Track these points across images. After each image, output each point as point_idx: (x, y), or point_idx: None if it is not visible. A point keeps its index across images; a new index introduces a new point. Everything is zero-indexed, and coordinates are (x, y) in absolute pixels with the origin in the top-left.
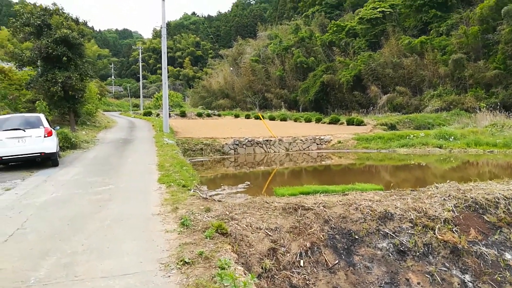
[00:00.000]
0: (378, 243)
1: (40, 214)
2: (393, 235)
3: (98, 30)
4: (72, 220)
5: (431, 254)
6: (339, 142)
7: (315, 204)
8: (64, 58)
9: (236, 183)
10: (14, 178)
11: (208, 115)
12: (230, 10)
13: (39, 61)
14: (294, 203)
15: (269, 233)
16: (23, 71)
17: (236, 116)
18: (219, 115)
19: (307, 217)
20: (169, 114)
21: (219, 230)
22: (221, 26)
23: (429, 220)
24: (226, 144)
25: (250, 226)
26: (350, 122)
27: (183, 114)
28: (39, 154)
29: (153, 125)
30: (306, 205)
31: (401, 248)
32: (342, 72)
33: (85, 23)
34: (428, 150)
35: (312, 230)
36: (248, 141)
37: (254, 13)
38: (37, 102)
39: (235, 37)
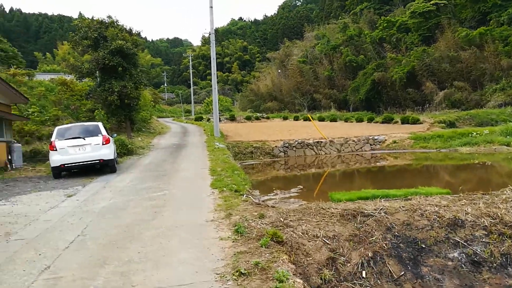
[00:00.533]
0: (449, 253)
1: (99, 220)
2: (465, 244)
3: (150, 40)
4: (129, 227)
5: (510, 266)
6: (394, 142)
7: (375, 210)
8: (119, 68)
9: (288, 187)
10: (75, 185)
11: (257, 118)
12: (276, 13)
13: (97, 72)
14: (352, 209)
15: (327, 242)
16: (83, 82)
17: (285, 118)
18: (267, 118)
19: (368, 224)
20: (219, 118)
21: (274, 238)
22: (267, 29)
23: (506, 228)
24: (276, 146)
25: (307, 234)
26: (405, 121)
27: (232, 118)
28: (98, 161)
29: (204, 130)
30: (365, 211)
31: (475, 259)
32: (394, 69)
33: (138, 34)
34: (494, 149)
35: (373, 238)
36: (298, 143)
37: (300, 15)
38: (96, 111)
39: (282, 40)
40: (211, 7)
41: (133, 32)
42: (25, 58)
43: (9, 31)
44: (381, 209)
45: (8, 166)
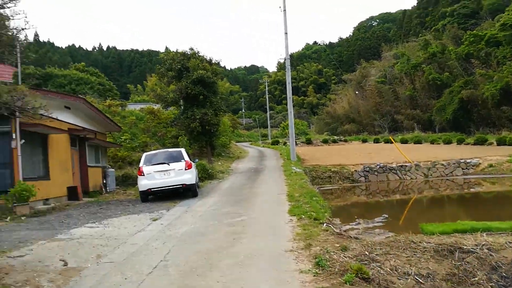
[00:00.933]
0: None
1: (181, 246)
2: None
3: (229, 69)
4: (208, 253)
5: None
6: (491, 165)
7: (476, 246)
8: (201, 96)
9: (372, 215)
10: (160, 209)
11: (334, 141)
12: (351, 34)
13: (180, 100)
14: (448, 244)
15: (420, 280)
16: (168, 111)
17: (364, 140)
18: (345, 141)
19: (468, 262)
20: (296, 142)
21: (359, 274)
22: (342, 51)
23: None
24: (356, 171)
25: (396, 271)
26: (501, 142)
27: (309, 142)
28: (181, 186)
29: (280, 154)
30: (464, 247)
31: None
32: (485, 86)
33: (217, 63)
34: None
35: (476, 279)
36: (379, 167)
37: (377, 34)
38: (179, 137)
39: (358, 61)
40: (286, 33)
41: (213, 61)
42: (119, 90)
43: (106, 66)
44: (483, 245)
45: (103, 189)
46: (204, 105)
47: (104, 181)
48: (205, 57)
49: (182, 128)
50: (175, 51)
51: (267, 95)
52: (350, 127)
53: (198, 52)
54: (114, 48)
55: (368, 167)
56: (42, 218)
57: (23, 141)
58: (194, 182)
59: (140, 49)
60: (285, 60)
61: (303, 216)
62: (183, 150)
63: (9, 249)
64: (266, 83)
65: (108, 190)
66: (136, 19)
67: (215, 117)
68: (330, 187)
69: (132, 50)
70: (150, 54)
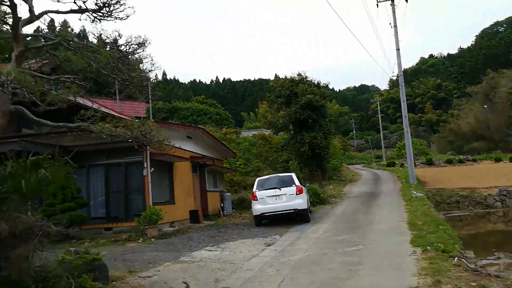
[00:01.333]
0: None
1: (294, 275)
2: None
3: (338, 90)
4: (323, 285)
5: None
6: None
7: None
8: (309, 120)
9: None
10: (274, 234)
11: (460, 161)
12: (473, 43)
13: (290, 125)
14: None
15: None
16: (279, 136)
17: (497, 160)
18: (474, 160)
19: None
20: (414, 163)
21: None
22: (464, 62)
23: None
24: (490, 195)
25: None
26: None
27: (429, 162)
28: (292, 211)
29: (398, 176)
30: None
31: None
32: None
33: (325, 86)
34: None
35: None
36: None
37: (505, 41)
38: (290, 161)
39: (484, 71)
40: (398, 49)
41: (321, 85)
42: (233, 118)
43: (222, 97)
44: None
45: (221, 212)
46: (313, 128)
47: (222, 205)
48: (313, 81)
49: (292, 152)
50: (283, 77)
51: (379, 114)
52: (479, 145)
53: (306, 77)
54: (229, 79)
55: (505, 190)
56: (168, 240)
57: (152, 169)
58: (306, 207)
59: (252, 79)
60: (397, 77)
61: (429, 248)
62: (293, 175)
63: (140, 269)
64: (378, 102)
65: (225, 213)
66: (247, 51)
67: (324, 140)
68: (459, 214)
69: (245, 80)
70: (261, 83)
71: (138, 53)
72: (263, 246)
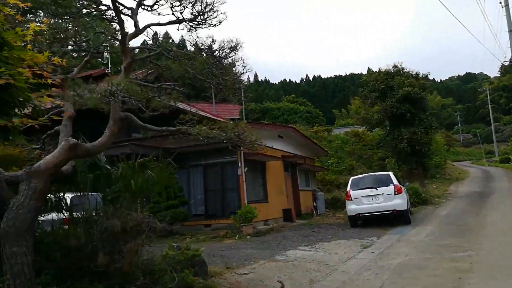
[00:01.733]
0: None
1: (395, 280)
2: None
3: (439, 81)
4: None
5: None
6: None
7: None
8: (407, 114)
9: None
10: (370, 235)
11: None
12: None
13: (385, 121)
14: None
15: None
16: (373, 132)
17: None
18: None
19: None
20: None
21: None
22: None
23: None
24: None
25: None
26: None
27: None
28: (391, 212)
29: None
30: None
31: None
32: None
33: (425, 77)
34: None
35: None
36: None
37: None
38: (386, 159)
39: None
40: (510, 31)
41: (420, 76)
42: (324, 116)
43: (313, 95)
44: None
45: (314, 212)
46: (412, 123)
47: (315, 204)
48: (410, 72)
49: (388, 149)
50: (377, 71)
51: (489, 105)
52: None
53: (402, 68)
54: (319, 77)
55: None
56: (262, 238)
57: (246, 168)
58: (406, 208)
59: (343, 75)
60: (510, 62)
61: None
62: (391, 174)
63: (237, 266)
64: (488, 91)
65: (318, 213)
66: (337, 47)
67: (425, 136)
68: None
69: (335, 77)
70: (353, 78)
71: (230, 56)
72: (359, 248)
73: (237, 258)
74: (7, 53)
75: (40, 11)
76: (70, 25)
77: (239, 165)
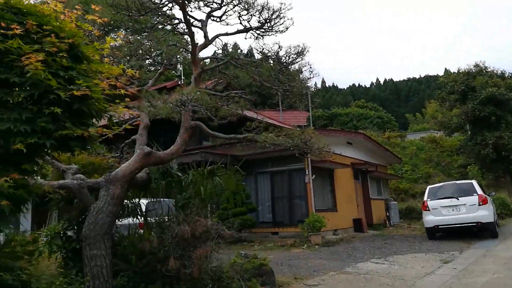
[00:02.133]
0: None
1: None
2: None
3: None
4: None
5: None
6: None
7: None
8: (492, 117)
9: None
10: (451, 249)
11: None
12: None
13: (466, 125)
14: None
15: None
16: (452, 138)
17: None
18: None
19: None
20: None
21: None
22: None
23: None
24: None
25: None
26: None
27: None
28: (474, 224)
29: None
30: None
31: None
32: None
33: None
34: None
35: None
36: None
37: None
38: (468, 166)
39: None
40: None
41: (506, 75)
42: (397, 121)
43: (384, 99)
44: None
45: (387, 222)
46: (497, 127)
47: (387, 214)
48: (495, 71)
49: (470, 156)
50: (456, 71)
51: None
52: None
53: (485, 67)
54: (391, 80)
55: None
56: (331, 248)
57: (314, 176)
58: (492, 220)
59: (417, 77)
60: None
61: None
62: (474, 182)
63: (306, 277)
64: None
65: (391, 223)
66: (410, 48)
67: None
68: None
69: (408, 79)
70: (428, 80)
71: (297, 62)
72: (439, 263)
73: (306, 268)
74: (85, 66)
75: (121, 28)
76: (146, 40)
77: (307, 173)
